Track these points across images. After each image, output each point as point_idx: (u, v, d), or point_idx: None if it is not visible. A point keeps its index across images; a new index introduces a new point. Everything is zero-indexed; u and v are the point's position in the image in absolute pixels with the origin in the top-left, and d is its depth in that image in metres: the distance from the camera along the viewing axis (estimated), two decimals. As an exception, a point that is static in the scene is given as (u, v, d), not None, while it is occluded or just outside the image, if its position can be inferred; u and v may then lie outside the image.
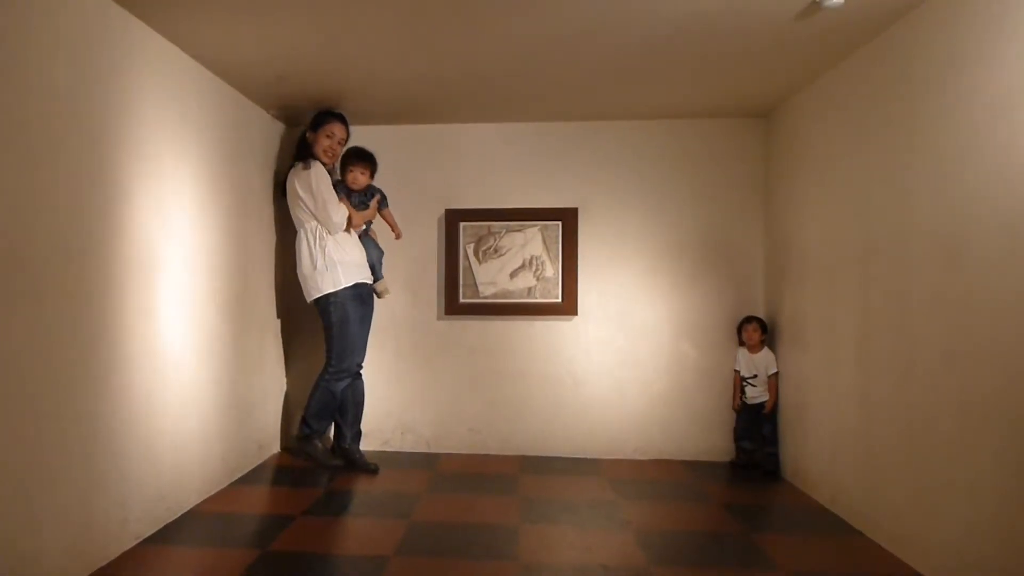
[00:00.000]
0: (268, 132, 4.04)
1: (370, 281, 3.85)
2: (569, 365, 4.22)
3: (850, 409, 3.04)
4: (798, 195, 3.64)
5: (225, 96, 3.49)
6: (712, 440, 4.12)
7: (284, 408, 4.28)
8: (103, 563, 2.46)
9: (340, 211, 3.64)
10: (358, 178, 3.80)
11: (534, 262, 4.22)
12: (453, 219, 4.24)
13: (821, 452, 3.33)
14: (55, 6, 2.24)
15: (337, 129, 3.77)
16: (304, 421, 3.78)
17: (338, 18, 2.71)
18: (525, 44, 2.98)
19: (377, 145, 4.02)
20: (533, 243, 4.22)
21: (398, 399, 4.30)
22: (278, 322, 4.20)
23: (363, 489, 3.52)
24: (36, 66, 2.15)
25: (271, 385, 4.10)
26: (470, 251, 4.25)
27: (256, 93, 3.67)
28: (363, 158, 3.84)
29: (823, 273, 3.34)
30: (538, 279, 4.22)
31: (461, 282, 4.25)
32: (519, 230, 4.23)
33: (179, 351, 3.02)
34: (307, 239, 3.67)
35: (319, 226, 3.66)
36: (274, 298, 4.12)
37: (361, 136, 4.05)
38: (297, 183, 3.65)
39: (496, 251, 4.24)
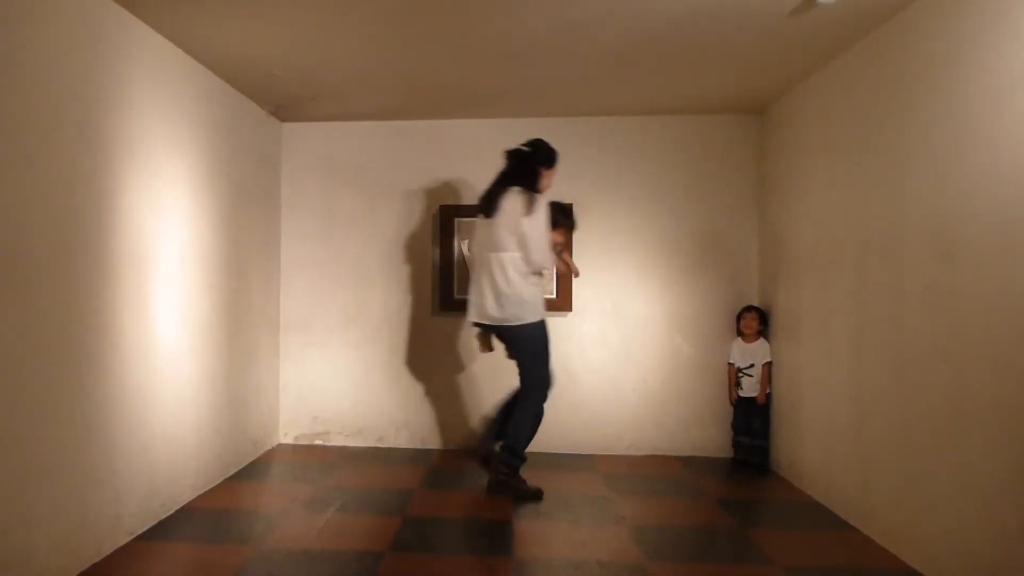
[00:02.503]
0: (263, 128, 4.02)
1: None
2: (564, 361, 4.21)
3: (843, 404, 3.06)
4: (793, 191, 3.65)
5: (220, 92, 3.47)
6: (706, 435, 4.13)
7: (279, 404, 4.27)
8: (97, 559, 2.46)
9: (549, 260, 3.51)
10: (555, 239, 3.63)
11: (529, 258, 4.21)
12: (448, 215, 4.23)
13: (815, 446, 3.35)
14: (51, 2, 2.22)
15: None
16: (514, 453, 3.43)
17: (334, 14, 2.70)
18: (519, 40, 2.97)
19: (373, 141, 4.01)
20: (528, 239, 4.21)
21: (392, 395, 4.29)
22: (273, 318, 4.18)
23: (358, 485, 3.52)
24: (31, 62, 2.13)
25: (266, 381, 4.09)
26: (464, 247, 4.25)
27: (251, 89, 3.65)
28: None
29: (817, 268, 3.35)
30: (533, 275, 4.21)
31: (455, 278, 4.24)
32: (514, 226, 4.21)
33: (174, 347, 3.01)
34: (515, 266, 3.44)
35: (520, 257, 3.45)
36: (269, 293, 4.11)
37: (358, 132, 4.04)
38: (525, 220, 3.40)
39: (491, 247, 4.23)
